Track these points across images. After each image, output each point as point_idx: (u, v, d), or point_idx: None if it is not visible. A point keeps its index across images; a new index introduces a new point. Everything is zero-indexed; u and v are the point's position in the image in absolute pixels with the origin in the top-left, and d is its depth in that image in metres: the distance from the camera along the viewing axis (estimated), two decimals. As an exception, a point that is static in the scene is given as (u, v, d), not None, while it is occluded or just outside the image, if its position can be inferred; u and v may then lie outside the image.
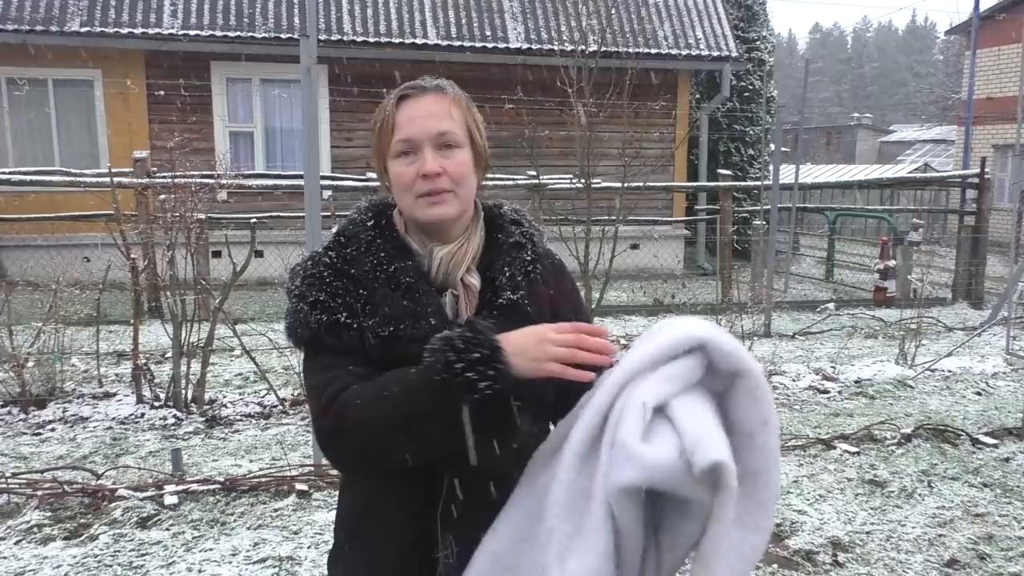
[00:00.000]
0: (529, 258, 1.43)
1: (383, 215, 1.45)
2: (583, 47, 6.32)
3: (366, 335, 1.33)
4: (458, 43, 11.95)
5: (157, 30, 11.06)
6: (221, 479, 4.15)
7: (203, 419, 5.21)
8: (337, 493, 1.53)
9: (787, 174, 12.28)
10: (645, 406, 1.09)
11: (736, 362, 1.14)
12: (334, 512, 1.54)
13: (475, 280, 1.40)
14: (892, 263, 10.30)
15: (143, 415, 5.23)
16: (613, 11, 11.93)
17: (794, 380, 6.27)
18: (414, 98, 1.38)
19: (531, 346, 1.22)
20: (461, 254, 1.39)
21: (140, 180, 8.69)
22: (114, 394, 5.60)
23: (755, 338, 6.81)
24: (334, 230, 1.48)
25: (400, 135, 1.36)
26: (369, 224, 1.42)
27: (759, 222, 10.45)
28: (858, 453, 4.71)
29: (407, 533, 1.35)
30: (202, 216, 5.95)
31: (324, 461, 3.88)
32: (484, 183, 1.48)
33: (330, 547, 1.51)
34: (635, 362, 1.14)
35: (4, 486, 3.99)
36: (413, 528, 1.35)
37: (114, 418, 5.20)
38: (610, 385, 1.15)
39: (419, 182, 1.35)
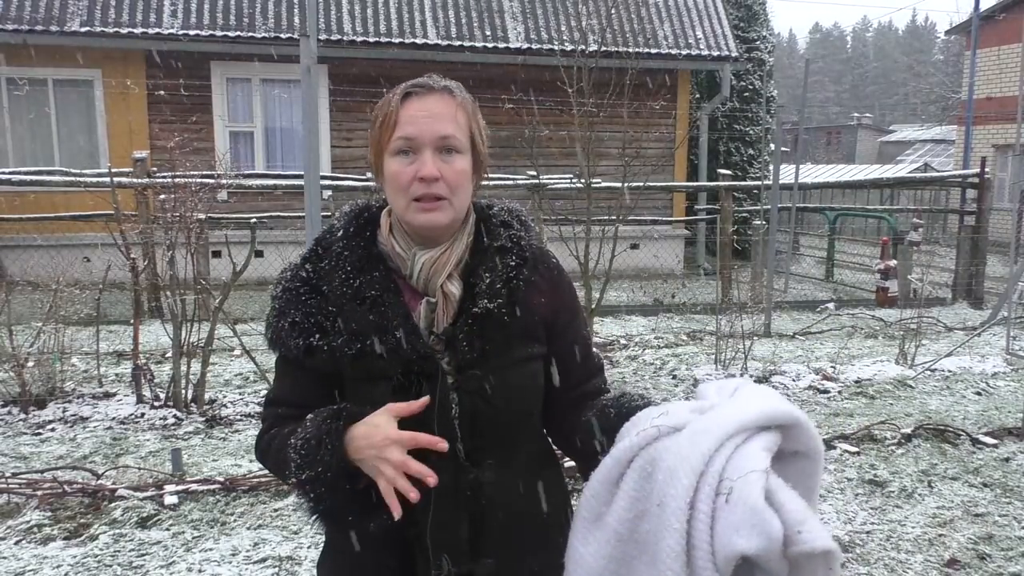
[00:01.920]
0: (513, 263, 1.38)
1: (361, 218, 1.42)
2: (583, 47, 6.31)
3: (336, 354, 1.33)
4: (458, 43, 11.95)
5: (157, 30, 11.06)
6: (221, 479, 4.15)
7: (203, 419, 5.21)
8: None
9: (787, 174, 12.28)
10: (768, 473, 1.07)
11: (815, 447, 1.17)
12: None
13: (455, 288, 1.36)
14: (893, 263, 10.30)
15: (143, 415, 5.23)
16: (613, 11, 11.94)
17: (794, 380, 6.28)
18: (420, 96, 1.35)
19: (368, 458, 1.24)
20: (443, 260, 1.36)
21: (140, 180, 8.69)
22: (114, 394, 5.59)
23: (755, 338, 6.81)
24: (316, 236, 1.47)
25: (401, 132, 1.32)
26: (339, 234, 1.39)
27: (759, 222, 10.45)
28: (858, 453, 4.71)
29: (390, 543, 1.35)
30: (202, 216, 5.95)
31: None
32: (482, 185, 1.46)
33: None
34: (737, 422, 1.13)
35: (4, 486, 3.99)
36: (396, 537, 1.35)
37: (114, 418, 5.20)
38: (710, 436, 1.12)
39: (415, 184, 1.32)
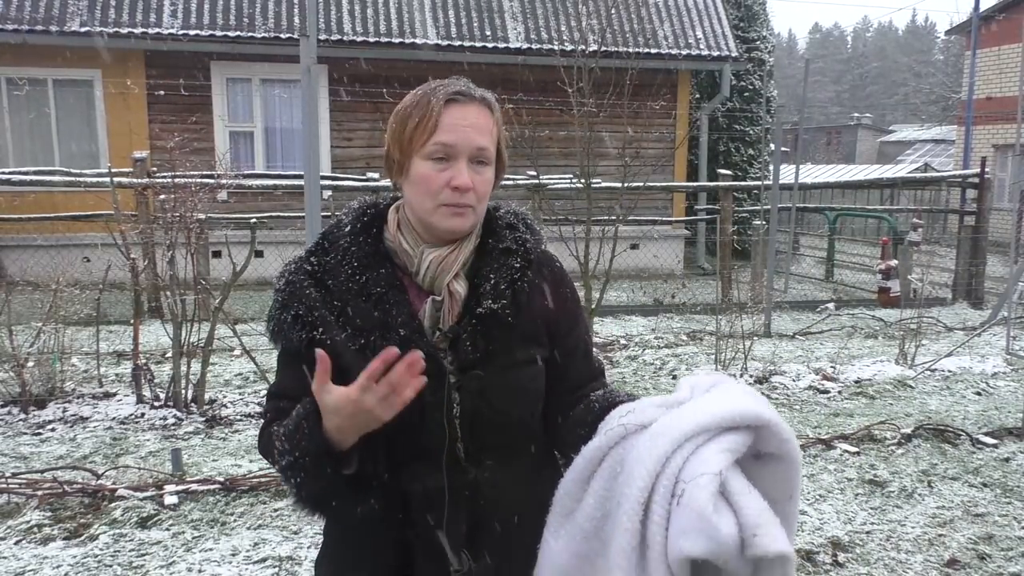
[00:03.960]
0: (517, 265, 1.39)
1: (368, 215, 1.42)
2: (583, 47, 6.32)
3: (338, 349, 1.32)
4: (458, 43, 11.96)
5: (157, 30, 11.06)
6: (221, 479, 4.15)
7: (203, 419, 5.21)
8: None
9: (787, 174, 12.28)
10: (722, 474, 1.08)
11: (788, 450, 1.15)
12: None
13: (460, 287, 1.37)
14: (894, 263, 10.30)
15: (143, 415, 5.23)
16: (613, 11, 11.94)
17: (794, 380, 6.28)
18: (462, 104, 1.35)
19: (356, 423, 1.22)
20: (451, 260, 1.36)
21: (140, 180, 8.69)
22: (114, 394, 5.59)
23: (755, 338, 6.81)
24: (321, 231, 1.46)
25: (440, 138, 1.32)
26: (347, 229, 1.40)
27: (759, 222, 10.45)
28: (858, 453, 4.71)
29: (389, 543, 1.35)
30: (202, 216, 5.95)
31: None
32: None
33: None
34: (696, 423, 1.13)
35: (4, 486, 3.99)
36: (395, 537, 1.35)
37: (114, 418, 5.20)
38: (667, 438, 1.13)
39: (447, 191, 1.32)
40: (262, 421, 1.47)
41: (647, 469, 1.11)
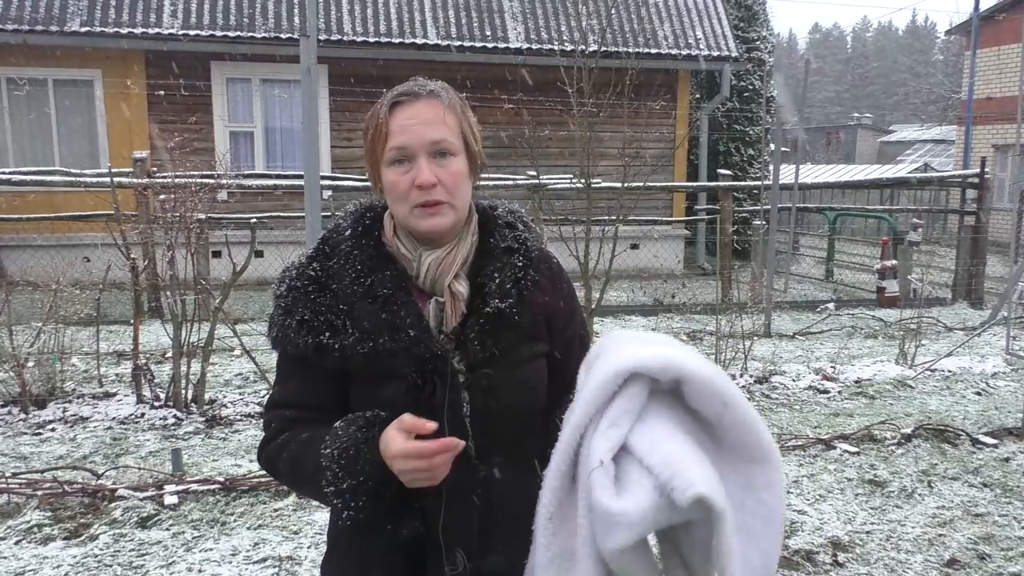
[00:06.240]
0: (520, 264, 1.40)
1: (367, 218, 1.42)
2: (583, 47, 6.31)
3: (347, 353, 1.33)
4: (458, 43, 11.95)
5: (157, 30, 11.06)
6: (221, 479, 4.15)
7: (203, 419, 5.21)
8: None
9: (787, 174, 12.28)
10: (603, 464, 1.06)
11: (675, 373, 1.11)
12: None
13: (462, 287, 1.37)
14: (891, 263, 10.30)
15: (143, 415, 5.23)
16: (613, 11, 11.94)
17: (794, 380, 6.27)
18: (407, 104, 1.35)
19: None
20: (449, 260, 1.37)
21: (140, 180, 8.68)
22: (114, 394, 5.59)
23: (755, 338, 6.81)
24: (320, 236, 1.46)
25: (393, 142, 1.33)
26: (347, 233, 1.40)
27: (759, 222, 10.44)
28: (858, 453, 4.71)
29: (394, 549, 1.35)
30: (202, 216, 5.95)
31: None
32: (480, 184, 1.47)
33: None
34: (581, 414, 1.12)
35: (4, 486, 3.99)
36: (400, 543, 1.35)
37: (114, 418, 5.20)
38: (564, 444, 1.13)
39: (414, 192, 1.33)
40: (262, 431, 1.45)
41: (547, 490, 1.15)
